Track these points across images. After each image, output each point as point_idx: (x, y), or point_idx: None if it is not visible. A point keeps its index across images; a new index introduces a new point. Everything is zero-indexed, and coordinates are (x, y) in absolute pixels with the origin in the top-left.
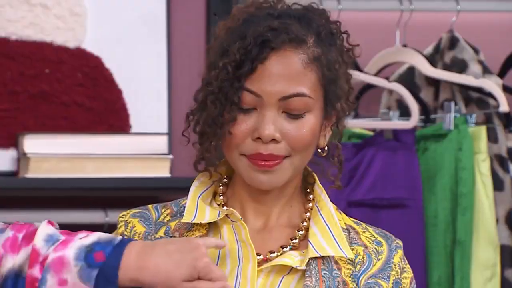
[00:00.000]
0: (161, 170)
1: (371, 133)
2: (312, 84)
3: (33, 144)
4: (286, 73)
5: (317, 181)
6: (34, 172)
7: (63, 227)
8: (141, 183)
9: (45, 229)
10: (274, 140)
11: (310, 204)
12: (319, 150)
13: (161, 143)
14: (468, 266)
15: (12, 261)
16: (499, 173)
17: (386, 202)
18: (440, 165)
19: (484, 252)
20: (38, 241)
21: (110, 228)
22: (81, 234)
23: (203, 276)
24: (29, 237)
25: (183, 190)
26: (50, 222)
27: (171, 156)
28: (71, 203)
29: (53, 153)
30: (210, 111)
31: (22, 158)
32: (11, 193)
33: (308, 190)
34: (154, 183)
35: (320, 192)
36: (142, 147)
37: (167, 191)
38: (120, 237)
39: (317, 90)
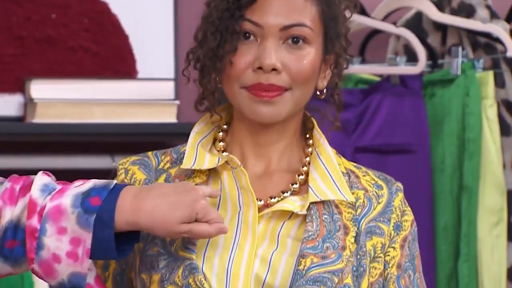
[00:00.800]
0: (168, 116)
1: (378, 79)
2: (313, 18)
3: (39, 89)
4: (287, 4)
5: (316, 126)
6: (41, 117)
7: (70, 172)
8: (148, 128)
9: (40, 179)
10: (275, 70)
11: (310, 149)
12: (318, 93)
13: (167, 89)
14: (474, 212)
15: (11, 213)
16: (506, 118)
17: (393, 147)
18: (447, 110)
19: (490, 197)
20: (35, 191)
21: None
22: (77, 182)
23: (201, 218)
24: (26, 188)
25: None
26: (46, 173)
27: (177, 102)
28: (78, 149)
29: (59, 98)
30: (210, 43)
31: (29, 103)
32: (17, 138)
33: (307, 135)
34: (160, 129)
35: (319, 137)
36: (148, 93)
37: (174, 136)
38: (115, 181)
39: (318, 25)
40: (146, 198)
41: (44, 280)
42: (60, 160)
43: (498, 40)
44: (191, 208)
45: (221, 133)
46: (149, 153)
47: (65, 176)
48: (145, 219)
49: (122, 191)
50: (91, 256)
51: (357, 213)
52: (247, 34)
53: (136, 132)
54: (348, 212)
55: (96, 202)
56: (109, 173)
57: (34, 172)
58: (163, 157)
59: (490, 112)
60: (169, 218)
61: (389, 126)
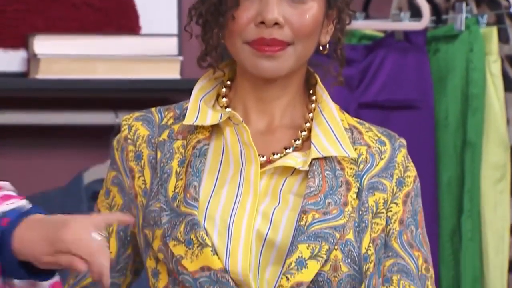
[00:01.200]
0: (171, 72)
1: (382, 35)
2: None
3: (43, 45)
4: None
5: (319, 82)
6: (44, 73)
7: (74, 128)
8: (151, 84)
9: None
10: (277, 25)
11: (313, 105)
12: (321, 48)
13: (171, 45)
14: (478, 167)
15: None
16: (510, 74)
17: (396, 103)
18: (451, 66)
19: (494, 153)
20: None
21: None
22: (13, 200)
23: (67, 250)
24: None
25: None
26: None
27: (181, 58)
28: (81, 104)
29: (63, 54)
30: None
31: (32, 59)
32: (21, 94)
33: (310, 91)
34: (164, 85)
35: (322, 92)
36: (152, 49)
37: (177, 92)
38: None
39: None
40: (28, 229)
41: None
42: (64, 116)
43: None
44: (52, 241)
45: (224, 89)
46: (153, 109)
47: (69, 131)
48: (21, 250)
49: (28, 217)
50: (8, 274)
51: (360, 169)
52: None
53: (140, 88)
54: (351, 168)
55: (3, 223)
56: (113, 129)
57: (37, 128)
58: (166, 113)
59: (494, 68)
60: (34, 251)
61: (393, 82)
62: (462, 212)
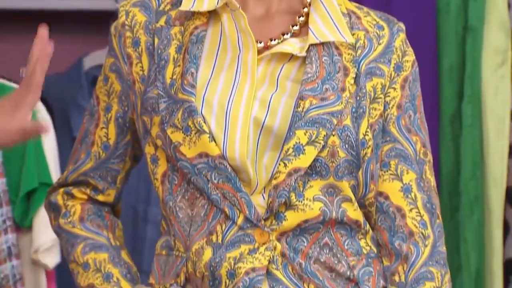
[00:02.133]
0: None
1: None
2: None
3: None
4: None
5: None
6: None
7: (74, 13)
8: None
9: None
10: None
11: None
12: None
13: None
14: (479, 52)
15: None
16: None
17: None
18: None
19: (495, 37)
20: None
21: None
22: None
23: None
24: None
25: None
26: None
27: None
28: None
29: None
30: None
31: None
32: None
33: None
34: None
35: None
36: None
37: None
38: None
39: None
40: None
41: None
42: (64, 1)
43: None
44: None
45: None
46: None
47: (70, 17)
48: None
49: None
50: None
51: (357, 54)
52: None
53: None
54: (348, 54)
55: None
56: (112, 15)
57: (37, 12)
58: None
59: None
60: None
61: None
62: (462, 97)
